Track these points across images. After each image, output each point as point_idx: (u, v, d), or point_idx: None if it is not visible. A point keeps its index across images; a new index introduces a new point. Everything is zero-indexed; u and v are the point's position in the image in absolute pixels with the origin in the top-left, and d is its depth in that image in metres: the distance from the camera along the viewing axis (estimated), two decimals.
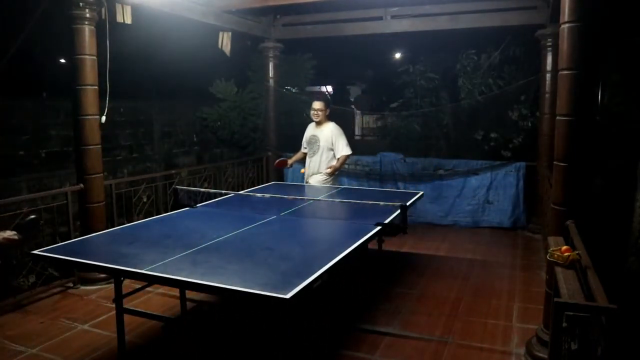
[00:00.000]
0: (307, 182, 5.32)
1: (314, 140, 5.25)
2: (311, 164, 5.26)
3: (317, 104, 5.19)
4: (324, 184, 5.19)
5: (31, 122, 5.98)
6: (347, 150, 5.13)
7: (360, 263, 3.82)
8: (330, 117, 5.29)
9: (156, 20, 5.41)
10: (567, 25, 2.93)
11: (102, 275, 4.34)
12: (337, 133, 5.17)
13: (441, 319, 3.69)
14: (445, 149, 7.34)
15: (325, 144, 5.15)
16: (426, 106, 7.46)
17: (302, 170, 5.48)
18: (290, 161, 5.54)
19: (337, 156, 5.15)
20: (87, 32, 4.22)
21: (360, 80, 13.23)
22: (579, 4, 2.88)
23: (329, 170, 5.13)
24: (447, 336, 3.42)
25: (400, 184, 6.78)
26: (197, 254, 2.78)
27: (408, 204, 3.93)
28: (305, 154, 5.42)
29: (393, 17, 6.33)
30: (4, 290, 3.96)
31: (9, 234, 1.97)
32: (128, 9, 4.65)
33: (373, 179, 6.93)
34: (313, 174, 5.25)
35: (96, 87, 4.35)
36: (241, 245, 3.05)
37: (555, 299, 2.07)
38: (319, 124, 5.25)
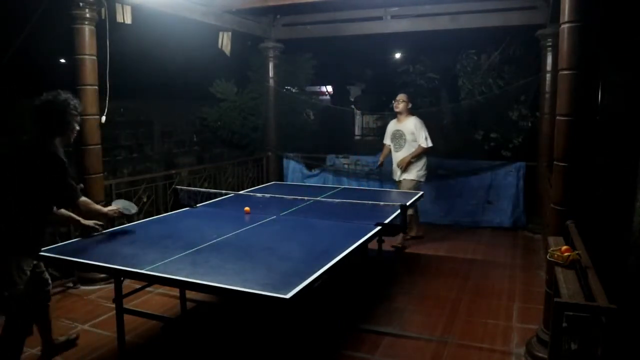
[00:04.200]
0: (398, 180, 5.52)
1: (398, 135, 5.51)
2: (398, 158, 5.49)
3: (400, 96, 5.51)
4: (418, 176, 5.41)
5: (31, 122, 5.97)
6: (426, 143, 5.35)
7: (360, 263, 3.82)
8: (411, 112, 5.54)
9: (156, 20, 5.41)
10: (567, 25, 2.93)
11: (102, 275, 4.34)
12: (419, 125, 5.40)
13: (441, 319, 3.68)
14: (445, 149, 7.33)
15: (411, 137, 5.40)
16: (426, 106, 7.45)
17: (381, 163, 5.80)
18: (382, 159, 5.77)
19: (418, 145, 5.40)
20: (87, 32, 4.23)
21: (360, 80, 13.21)
22: (579, 4, 2.88)
23: (410, 159, 5.35)
24: (447, 336, 3.41)
25: None
26: (197, 254, 2.78)
27: (408, 204, 3.93)
28: (389, 148, 5.67)
29: (393, 17, 6.33)
30: None
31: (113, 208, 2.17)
32: (128, 9, 4.65)
33: (373, 179, 6.92)
34: (401, 168, 5.46)
35: (96, 87, 4.35)
36: (241, 245, 3.05)
37: (555, 299, 2.06)
38: (400, 118, 5.50)
